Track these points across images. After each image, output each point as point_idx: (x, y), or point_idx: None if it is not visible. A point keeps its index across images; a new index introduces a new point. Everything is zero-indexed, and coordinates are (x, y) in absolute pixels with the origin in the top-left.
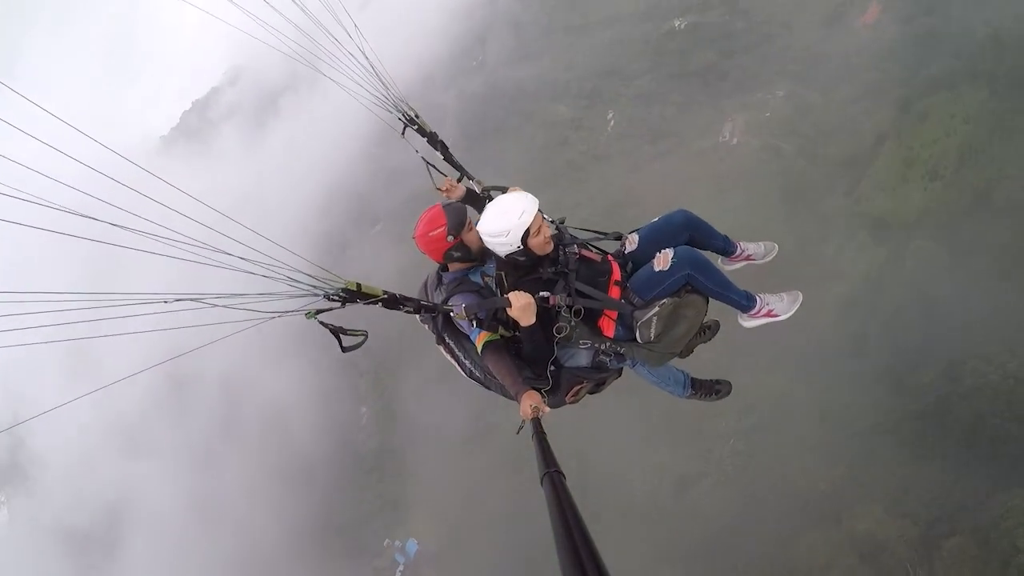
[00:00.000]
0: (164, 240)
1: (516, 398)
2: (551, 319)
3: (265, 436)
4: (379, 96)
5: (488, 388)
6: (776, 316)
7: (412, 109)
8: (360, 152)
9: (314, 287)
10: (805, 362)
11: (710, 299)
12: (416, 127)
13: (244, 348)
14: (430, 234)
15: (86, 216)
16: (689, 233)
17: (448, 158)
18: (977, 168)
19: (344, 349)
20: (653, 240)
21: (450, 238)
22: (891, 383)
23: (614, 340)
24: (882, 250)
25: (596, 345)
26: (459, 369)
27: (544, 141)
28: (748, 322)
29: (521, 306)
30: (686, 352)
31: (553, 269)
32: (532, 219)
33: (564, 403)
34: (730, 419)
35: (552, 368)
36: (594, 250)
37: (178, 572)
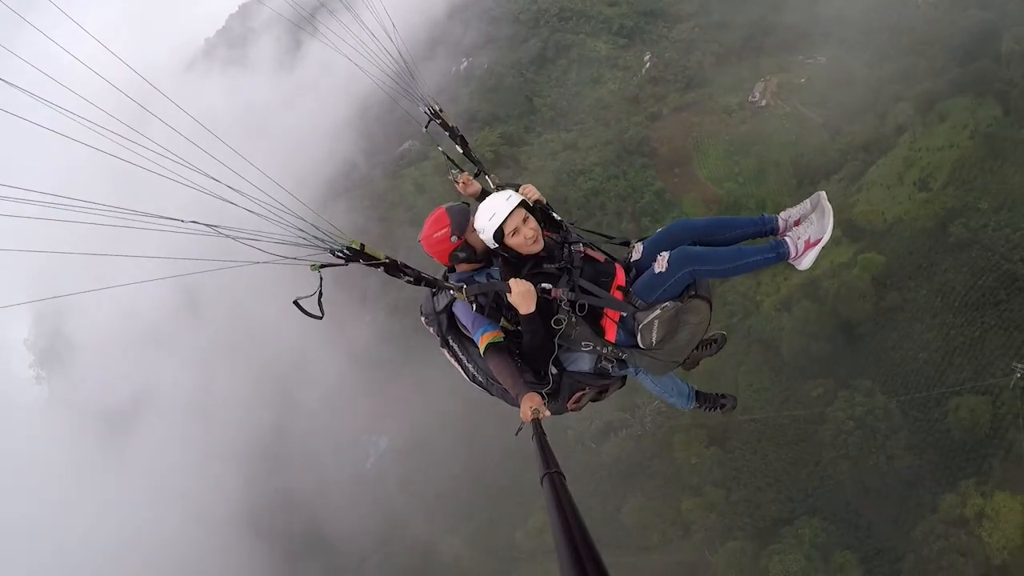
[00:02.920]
0: (182, 165)
1: (516, 400)
2: (552, 313)
3: (265, 341)
4: (407, 89)
5: (490, 392)
6: (819, 241)
7: (436, 103)
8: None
9: (320, 240)
10: (741, 342)
11: (759, 269)
12: (440, 121)
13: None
14: (434, 236)
15: (117, 135)
16: (692, 239)
17: (467, 153)
18: (959, 190)
19: (299, 307)
20: (655, 249)
21: (454, 239)
22: (788, 383)
23: (616, 344)
24: (848, 251)
25: (598, 349)
26: (461, 372)
27: (577, 76)
28: (800, 263)
29: (521, 292)
30: (691, 364)
31: (557, 265)
32: (503, 220)
33: (566, 410)
34: None
35: (554, 371)
36: (599, 252)
37: (178, 453)
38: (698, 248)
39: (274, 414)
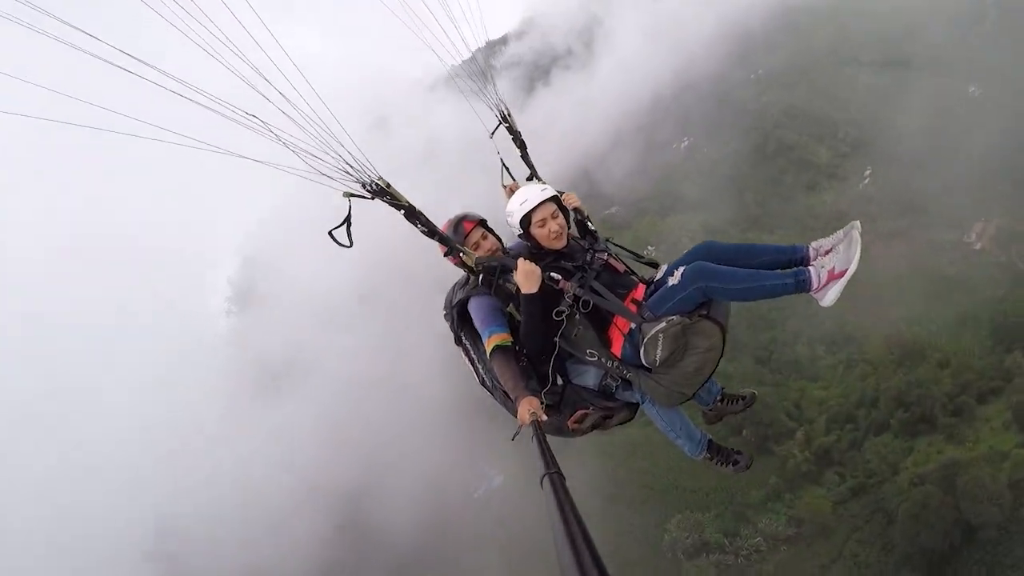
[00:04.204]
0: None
1: (515, 402)
2: (557, 306)
3: (418, 347)
4: (482, 92)
5: (494, 397)
6: (844, 273)
7: (507, 108)
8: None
9: (352, 167)
10: (867, 507)
11: (775, 295)
12: (507, 125)
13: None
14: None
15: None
16: (714, 261)
17: (525, 157)
18: None
19: (331, 232)
20: (677, 267)
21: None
22: (892, 568)
23: (621, 360)
24: (1011, 440)
25: (603, 361)
26: (474, 375)
27: (794, 179)
28: (824, 299)
29: (526, 271)
30: (714, 417)
31: (574, 264)
32: (532, 208)
33: (567, 430)
34: (778, 523)
35: (559, 384)
36: (624, 266)
37: (308, 422)
38: (714, 265)
39: (407, 416)
